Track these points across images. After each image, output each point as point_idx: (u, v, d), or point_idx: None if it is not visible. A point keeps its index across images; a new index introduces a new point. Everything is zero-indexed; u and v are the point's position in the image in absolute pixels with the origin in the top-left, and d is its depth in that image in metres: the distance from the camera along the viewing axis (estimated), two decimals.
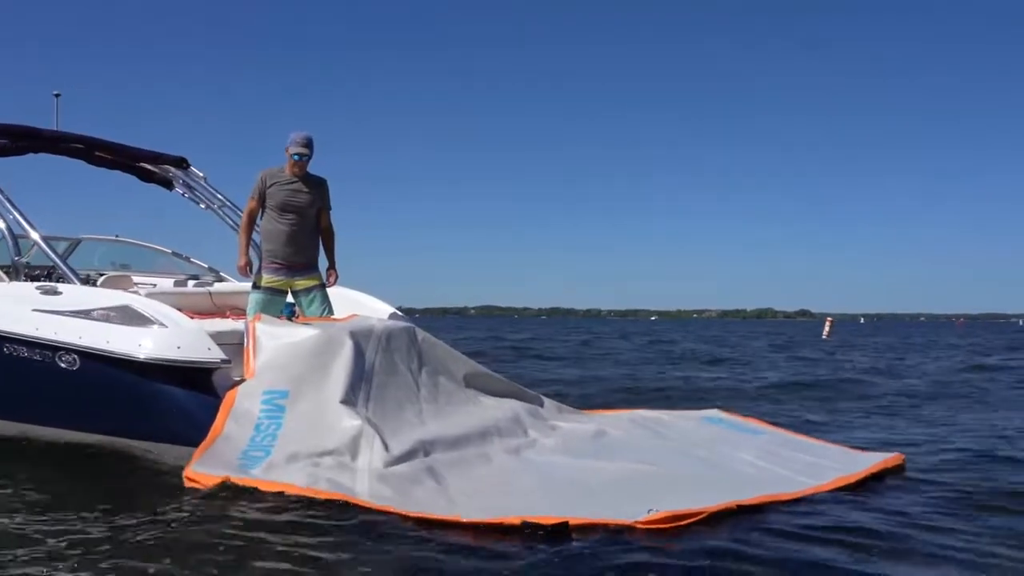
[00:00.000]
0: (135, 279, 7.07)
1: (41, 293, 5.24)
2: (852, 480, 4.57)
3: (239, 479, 4.06)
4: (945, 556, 3.38)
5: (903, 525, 3.83)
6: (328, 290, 6.28)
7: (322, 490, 3.95)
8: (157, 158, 7.33)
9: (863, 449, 5.49)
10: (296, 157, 5.44)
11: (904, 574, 3.19)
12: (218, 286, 6.87)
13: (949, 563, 3.31)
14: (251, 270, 5.63)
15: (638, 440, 5.42)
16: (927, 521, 3.92)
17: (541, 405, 6.08)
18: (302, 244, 5.60)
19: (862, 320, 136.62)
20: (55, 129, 6.79)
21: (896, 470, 4.95)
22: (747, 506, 3.79)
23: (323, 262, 5.87)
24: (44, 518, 3.83)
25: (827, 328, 35.28)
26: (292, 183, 5.49)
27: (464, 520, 3.69)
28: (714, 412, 6.51)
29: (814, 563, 3.23)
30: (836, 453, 5.31)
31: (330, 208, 5.75)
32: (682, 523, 3.53)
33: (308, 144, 5.45)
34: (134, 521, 3.73)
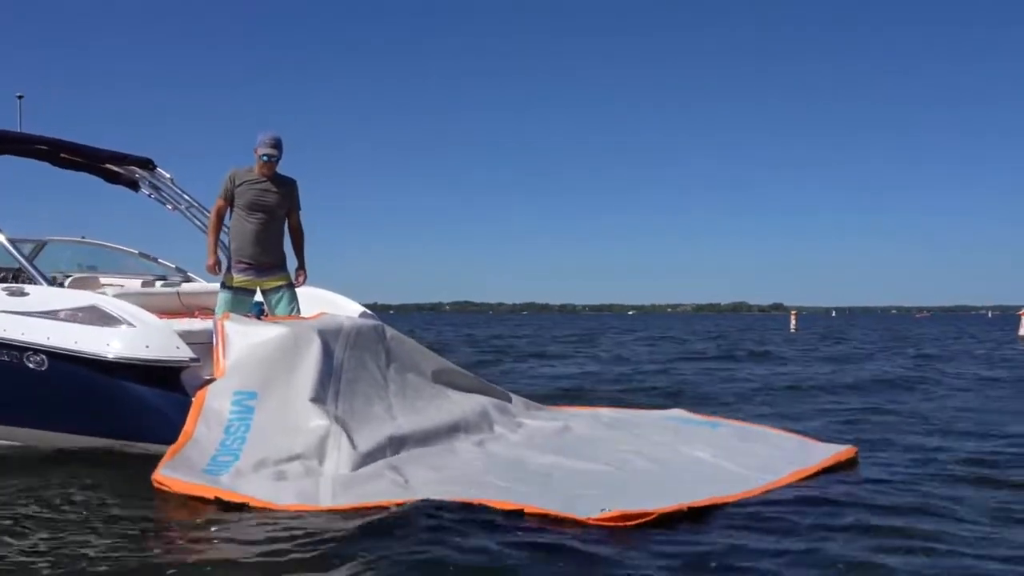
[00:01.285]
0: (102, 280, 7.06)
1: (7, 295, 5.25)
2: (806, 474, 4.72)
3: (205, 489, 4.11)
4: (886, 549, 3.46)
5: (851, 517, 3.93)
6: (297, 289, 6.36)
7: (285, 503, 4.00)
8: (123, 159, 7.31)
9: (819, 439, 5.66)
10: (265, 158, 5.50)
11: (852, 567, 3.26)
12: (186, 286, 6.89)
13: (889, 555, 3.39)
14: (220, 269, 5.68)
15: (600, 438, 5.55)
16: (877, 513, 4.03)
17: (509, 401, 6.21)
18: (270, 244, 5.67)
19: (833, 313, 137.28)
20: (19, 131, 6.76)
21: (849, 463, 5.12)
22: (698, 507, 3.91)
23: (292, 262, 5.95)
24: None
25: (793, 322, 35.97)
26: (261, 183, 5.55)
27: (416, 500, 3.83)
28: (676, 412, 6.67)
29: (759, 558, 3.33)
30: (793, 444, 5.49)
31: (299, 208, 5.82)
32: (632, 523, 3.66)
33: (277, 145, 5.51)
34: (105, 518, 3.81)
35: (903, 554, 3.38)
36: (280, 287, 5.74)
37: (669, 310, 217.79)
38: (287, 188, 5.68)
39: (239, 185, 5.54)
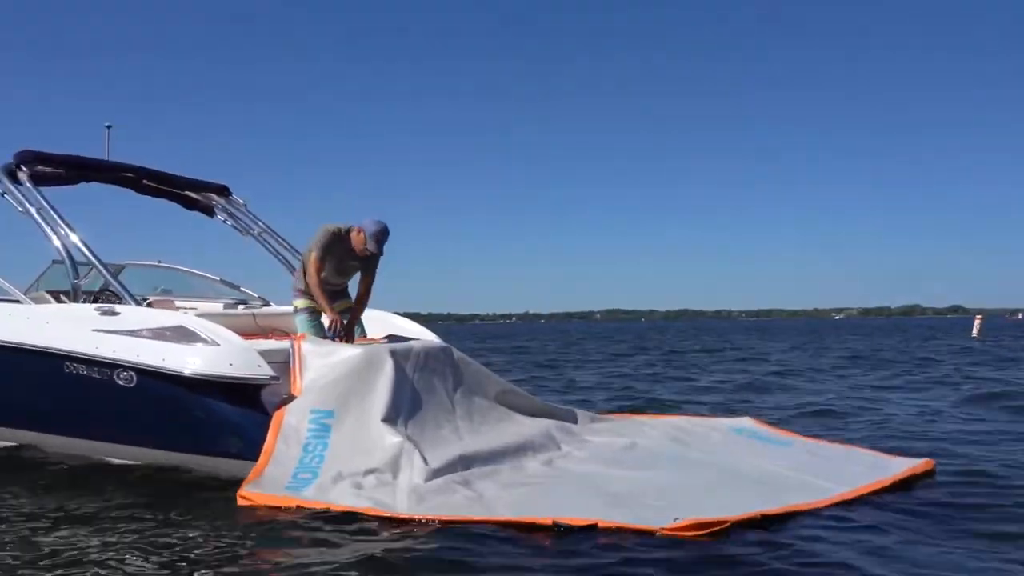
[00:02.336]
0: (177, 303, 7.32)
1: (100, 314, 5.49)
2: (880, 486, 4.67)
3: (288, 500, 4.30)
4: (965, 566, 3.44)
5: (927, 534, 3.91)
6: (370, 313, 6.56)
7: (363, 507, 4.16)
8: (200, 186, 7.59)
9: (894, 454, 5.58)
10: (367, 251, 5.73)
11: None
12: (262, 309, 7.12)
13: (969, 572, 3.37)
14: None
15: (668, 450, 5.57)
16: (953, 529, 4.00)
17: (574, 420, 6.27)
18: (339, 287, 6.08)
19: (1020, 316, 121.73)
20: (106, 159, 7.08)
21: (926, 476, 5.04)
22: (772, 515, 3.90)
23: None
24: (99, 533, 4.06)
25: (977, 326, 33.79)
26: (352, 254, 5.81)
27: (495, 519, 3.92)
28: (744, 421, 6.64)
29: (834, 571, 3.32)
30: (866, 459, 5.42)
31: (374, 278, 6.00)
32: (705, 531, 3.67)
33: (380, 243, 5.73)
34: (189, 537, 3.95)
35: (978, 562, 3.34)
36: (345, 310, 5.98)
37: (834, 315, 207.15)
38: (371, 260, 5.90)
39: (333, 251, 5.77)
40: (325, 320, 6.04)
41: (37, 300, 6.30)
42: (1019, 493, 4.75)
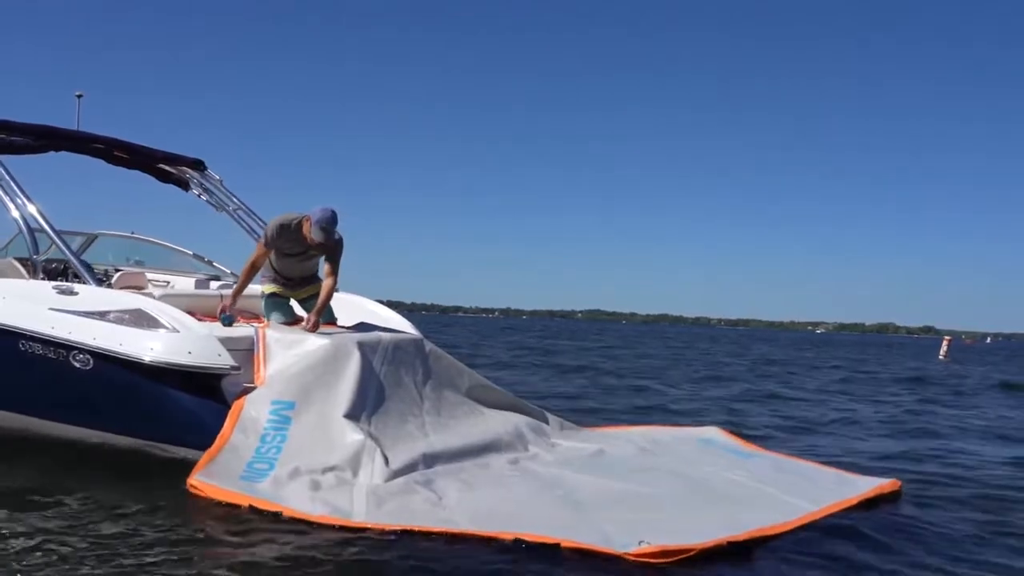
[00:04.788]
0: (149, 276, 7.18)
1: (58, 293, 5.34)
2: (847, 505, 4.62)
3: (240, 496, 4.15)
4: None
5: (896, 552, 3.92)
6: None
7: (319, 514, 4.02)
8: (174, 159, 7.43)
9: (859, 473, 5.53)
10: (316, 237, 5.49)
11: None
12: (228, 290, 6.96)
13: None
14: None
15: (635, 460, 5.49)
16: (920, 550, 4.00)
17: (545, 421, 6.17)
18: (305, 270, 5.92)
19: (988, 340, 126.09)
20: (76, 129, 6.89)
21: (892, 496, 5.00)
22: (738, 542, 3.83)
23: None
24: (44, 514, 4.00)
25: (944, 348, 34.32)
26: (309, 243, 5.60)
27: (457, 532, 3.82)
28: (711, 431, 6.58)
29: None
30: (831, 477, 5.36)
31: (338, 265, 5.75)
32: (671, 559, 3.59)
33: (325, 232, 5.47)
34: (131, 527, 3.85)
35: None
36: (315, 295, 5.80)
37: (809, 328, 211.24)
38: (331, 249, 5.68)
39: (282, 239, 5.61)
40: (296, 306, 5.92)
41: (7, 268, 6.15)
42: (987, 513, 4.78)
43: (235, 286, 5.84)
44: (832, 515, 4.44)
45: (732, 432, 6.72)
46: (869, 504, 4.76)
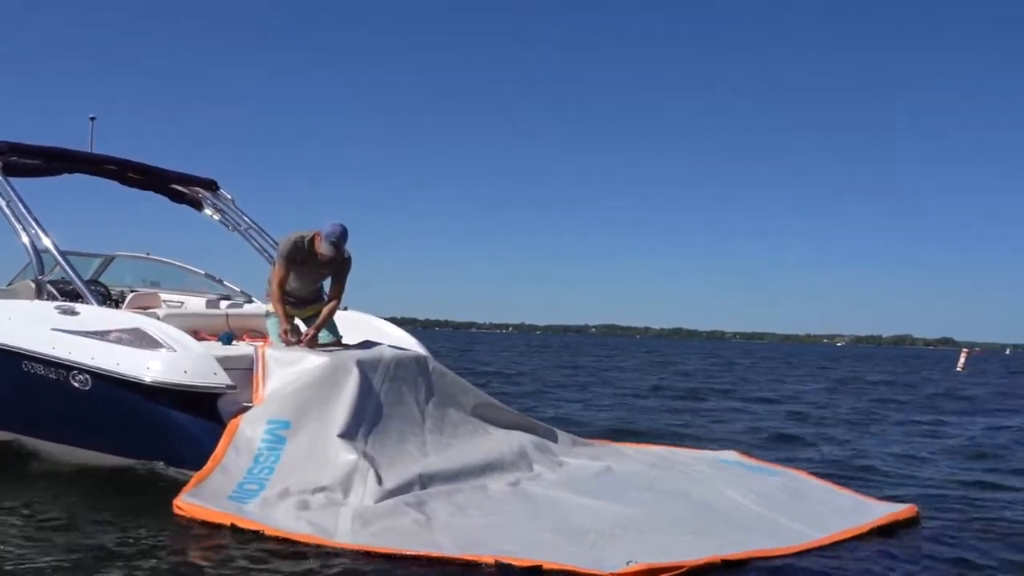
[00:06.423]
0: (163, 296, 7.23)
1: (60, 313, 5.37)
2: (855, 533, 4.41)
3: (223, 516, 4.09)
4: None
5: None
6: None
7: (300, 533, 3.94)
8: (187, 180, 7.50)
9: (879, 498, 5.30)
10: (326, 252, 5.45)
11: None
12: (234, 310, 6.98)
13: None
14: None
15: (643, 480, 5.32)
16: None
17: (554, 439, 6.04)
18: (312, 292, 5.85)
19: (1008, 351, 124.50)
20: (88, 151, 6.98)
21: (908, 523, 4.78)
22: (733, 560, 3.68)
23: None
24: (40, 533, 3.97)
25: (962, 360, 33.76)
26: (320, 260, 5.57)
27: (434, 555, 3.72)
28: (729, 454, 6.38)
29: None
30: (848, 501, 5.15)
31: (344, 283, 5.75)
32: None
33: (335, 247, 5.44)
34: (117, 546, 3.81)
35: None
36: (319, 314, 5.77)
37: (825, 341, 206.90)
38: (339, 266, 5.66)
39: (297, 260, 5.56)
40: (300, 324, 5.89)
41: (22, 290, 6.24)
42: (1008, 544, 4.51)
43: (277, 312, 5.65)
44: (840, 542, 4.24)
45: (749, 455, 6.52)
46: (883, 532, 4.54)
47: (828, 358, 48.14)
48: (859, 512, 4.83)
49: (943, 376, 26.66)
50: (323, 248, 5.43)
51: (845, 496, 5.31)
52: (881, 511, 4.84)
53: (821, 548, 4.11)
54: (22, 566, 3.50)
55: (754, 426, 9.94)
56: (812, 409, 12.72)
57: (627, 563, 3.51)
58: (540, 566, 3.55)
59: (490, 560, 3.63)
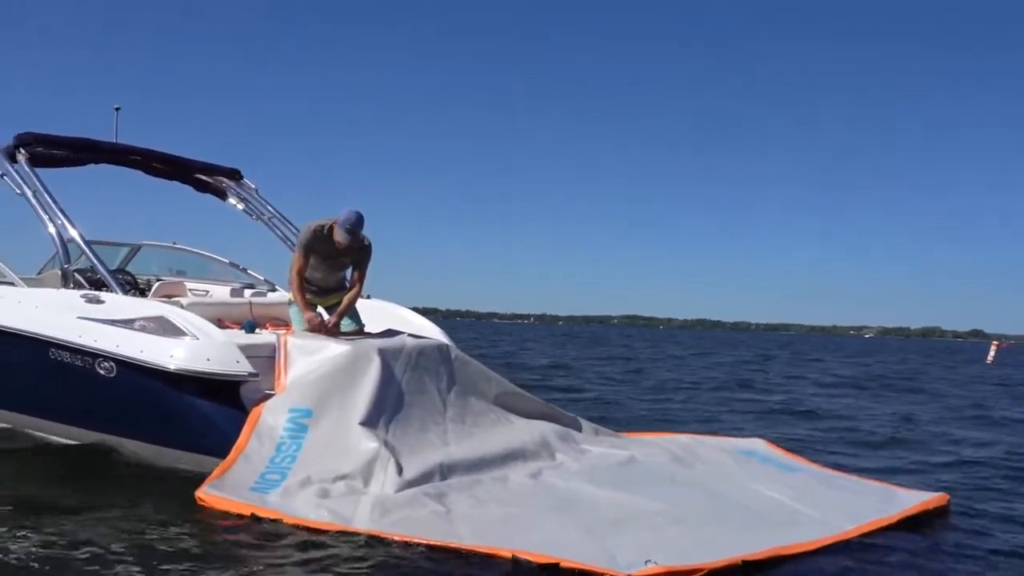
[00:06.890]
0: (189, 285, 7.28)
1: (86, 301, 5.41)
2: (886, 523, 4.33)
3: (245, 506, 4.10)
4: None
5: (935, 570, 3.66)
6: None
7: (320, 520, 3.94)
8: (211, 169, 7.52)
9: (907, 488, 5.19)
10: (341, 239, 5.44)
11: None
12: (258, 298, 7.00)
13: None
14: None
15: (665, 471, 5.26)
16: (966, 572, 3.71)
17: (577, 428, 5.99)
18: (334, 280, 5.82)
19: None
20: (114, 141, 7.02)
21: (939, 511, 4.69)
22: (754, 561, 3.60)
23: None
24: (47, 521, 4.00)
25: (992, 352, 33.16)
26: (336, 249, 5.55)
27: (455, 545, 3.71)
28: (756, 443, 6.27)
29: None
30: (877, 491, 5.05)
31: (364, 273, 5.74)
32: None
33: (351, 233, 5.42)
34: (138, 535, 3.83)
35: None
36: (336, 304, 5.76)
37: (852, 332, 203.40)
38: (359, 253, 5.65)
39: (316, 248, 5.55)
40: (323, 312, 5.88)
41: (50, 279, 6.31)
42: None
43: (296, 300, 5.64)
44: (868, 533, 4.16)
45: (777, 445, 6.41)
46: (914, 521, 4.45)
47: (870, 351, 45.99)
48: (888, 501, 4.74)
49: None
50: (339, 236, 5.41)
51: (874, 485, 5.21)
52: (911, 500, 4.75)
53: (848, 541, 4.03)
54: (49, 555, 3.53)
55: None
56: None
57: (645, 563, 3.45)
58: (557, 563, 3.51)
59: (507, 554, 3.59)
